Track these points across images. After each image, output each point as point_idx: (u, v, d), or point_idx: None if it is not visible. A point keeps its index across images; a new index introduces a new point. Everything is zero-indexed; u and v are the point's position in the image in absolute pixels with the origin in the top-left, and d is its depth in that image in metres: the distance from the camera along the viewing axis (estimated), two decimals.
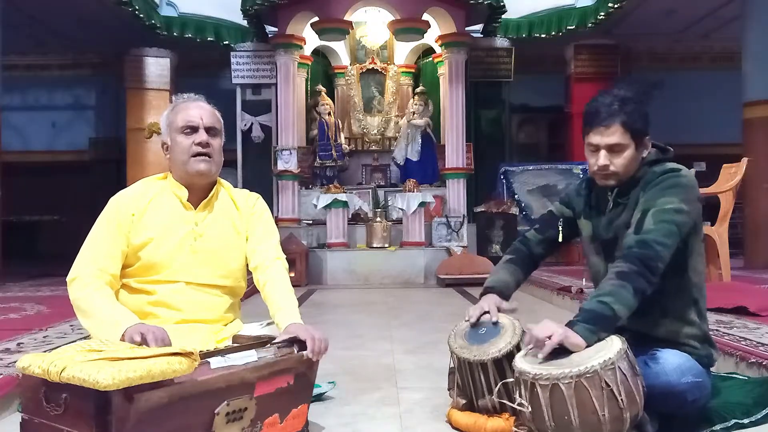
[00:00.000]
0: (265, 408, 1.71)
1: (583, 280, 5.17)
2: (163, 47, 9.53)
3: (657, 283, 1.79)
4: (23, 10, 8.17)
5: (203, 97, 2.12)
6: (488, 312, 2.06)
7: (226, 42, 9.21)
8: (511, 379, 1.79)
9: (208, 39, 9.17)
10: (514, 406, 1.72)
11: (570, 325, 1.74)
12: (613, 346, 1.68)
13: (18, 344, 3.03)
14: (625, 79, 2.01)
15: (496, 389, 1.85)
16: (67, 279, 1.94)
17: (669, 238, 1.81)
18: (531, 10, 9.30)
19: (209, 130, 2.03)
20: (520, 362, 1.74)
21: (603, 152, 1.92)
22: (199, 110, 2.04)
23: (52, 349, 2.14)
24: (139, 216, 2.01)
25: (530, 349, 1.75)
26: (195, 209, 2.06)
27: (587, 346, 1.70)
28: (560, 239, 2.19)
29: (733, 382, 2.25)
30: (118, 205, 2.02)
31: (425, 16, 8.33)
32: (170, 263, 1.99)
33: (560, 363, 1.68)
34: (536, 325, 1.76)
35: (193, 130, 2.01)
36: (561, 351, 1.71)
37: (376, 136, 9.42)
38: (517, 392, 1.72)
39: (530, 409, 1.68)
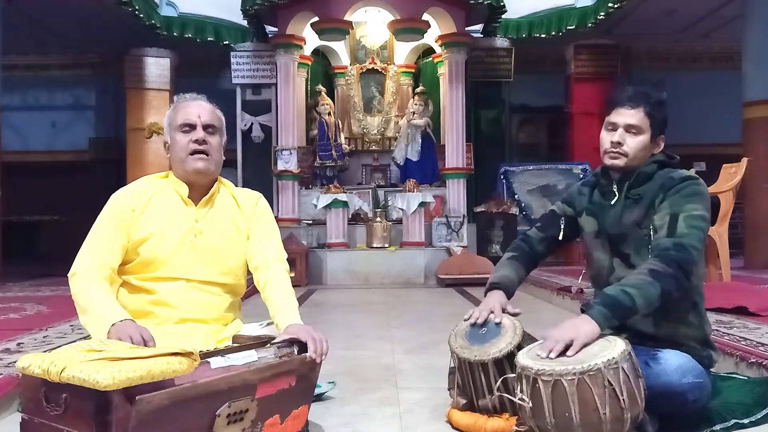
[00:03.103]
0: (265, 409, 1.71)
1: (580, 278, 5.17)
2: (163, 47, 9.54)
3: (686, 289, 1.81)
4: (23, 11, 8.16)
5: (205, 96, 2.13)
6: (493, 312, 2.06)
7: (226, 42, 9.21)
8: (513, 375, 1.79)
9: (208, 39, 9.17)
10: (515, 400, 1.72)
11: (587, 307, 1.76)
12: (617, 346, 1.68)
13: (18, 344, 3.03)
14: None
15: (497, 385, 1.85)
16: (68, 274, 1.95)
17: (700, 243, 1.86)
18: (531, 10, 9.31)
19: (207, 128, 2.04)
20: (523, 358, 1.74)
21: (620, 131, 1.99)
22: (197, 108, 2.05)
23: (52, 349, 2.13)
24: (140, 212, 2.01)
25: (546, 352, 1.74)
26: (195, 206, 2.07)
27: (599, 337, 1.71)
28: (561, 237, 2.21)
29: (733, 382, 2.25)
30: (118, 201, 2.03)
31: (425, 16, 8.33)
32: (170, 259, 2.00)
33: (563, 360, 1.68)
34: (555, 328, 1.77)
35: (191, 127, 2.03)
36: (564, 348, 1.71)
37: (376, 136, 9.42)
38: (519, 388, 1.72)
39: (531, 404, 1.68)
